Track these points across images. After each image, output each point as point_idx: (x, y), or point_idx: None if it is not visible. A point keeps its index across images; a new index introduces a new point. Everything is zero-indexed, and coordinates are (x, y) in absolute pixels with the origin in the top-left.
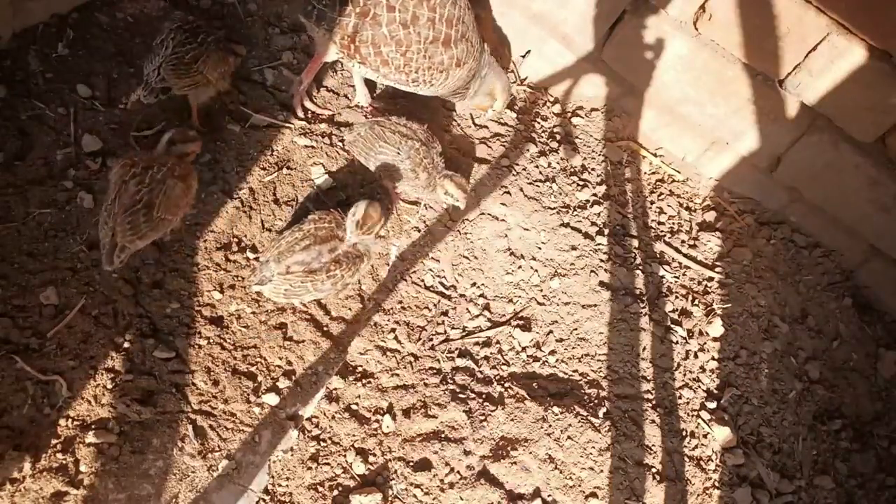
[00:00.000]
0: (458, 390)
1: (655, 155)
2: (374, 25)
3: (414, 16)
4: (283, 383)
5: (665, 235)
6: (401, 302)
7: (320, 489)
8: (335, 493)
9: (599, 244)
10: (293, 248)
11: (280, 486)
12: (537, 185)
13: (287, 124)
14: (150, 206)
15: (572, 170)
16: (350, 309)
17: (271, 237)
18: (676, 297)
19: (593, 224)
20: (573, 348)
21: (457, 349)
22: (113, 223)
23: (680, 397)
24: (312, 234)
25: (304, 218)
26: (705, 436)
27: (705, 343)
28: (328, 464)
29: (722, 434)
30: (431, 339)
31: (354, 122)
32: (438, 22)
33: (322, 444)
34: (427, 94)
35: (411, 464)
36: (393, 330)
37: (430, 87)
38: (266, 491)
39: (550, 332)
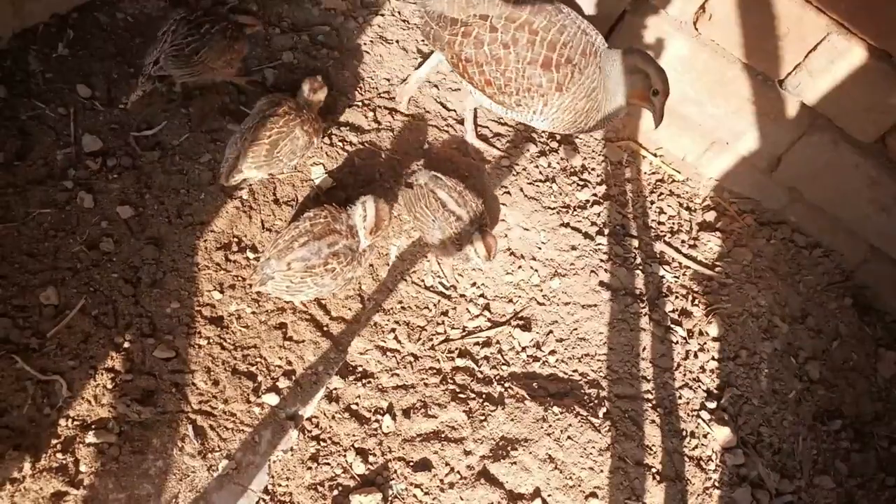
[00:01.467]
0: (458, 390)
1: (655, 155)
2: (477, 44)
3: (514, 38)
4: (283, 383)
5: (665, 235)
6: (401, 302)
7: (320, 489)
8: (335, 493)
9: (599, 244)
10: (291, 245)
11: (280, 486)
12: (537, 185)
13: None
14: (274, 144)
15: (572, 170)
16: (350, 309)
17: (271, 237)
18: (676, 297)
19: (593, 224)
20: (573, 348)
21: (457, 349)
22: (241, 147)
23: (680, 397)
24: (309, 231)
25: (299, 217)
26: (705, 436)
27: (705, 343)
28: (328, 464)
29: (722, 434)
30: (431, 339)
31: (418, 170)
32: (538, 45)
33: (322, 444)
34: (551, 125)
35: (411, 464)
36: (393, 330)
37: (538, 113)
38: (266, 491)
39: (550, 332)
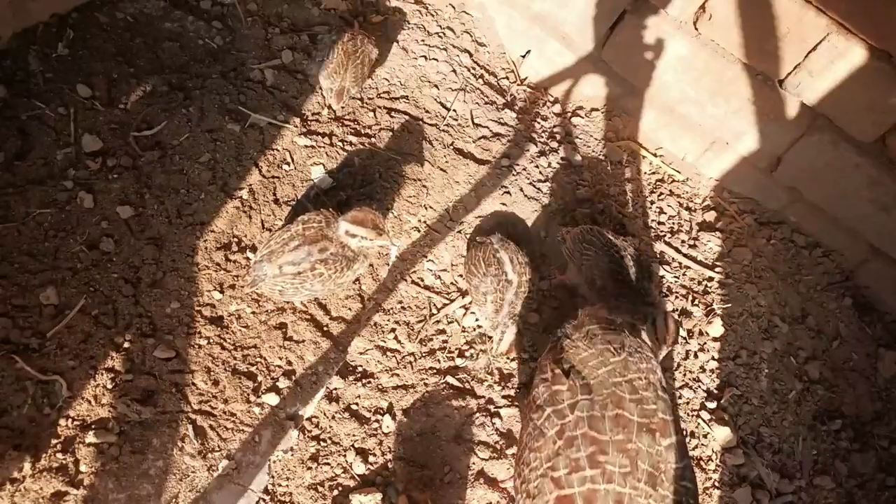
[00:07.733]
0: (457, 390)
1: (655, 155)
2: None
3: None
4: (283, 383)
5: (665, 235)
6: (401, 302)
7: (320, 489)
8: (335, 493)
9: None
10: (283, 249)
11: (280, 486)
12: (537, 185)
13: (287, 124)
14: (365, 63)
15: (572, 169)
16: (350, 309)
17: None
18: (676, 297)
19: (593, 224)
20: None
21: (456, 349)
22: (341, 76)
23: (680, 397)
24: (301, 234)
25: (294, 219)
26: (705, 436)
27: (705, 343)
28: (328, 464)
29: (722, 434)
30: (431, 339)
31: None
32: None
33: (322, 444)
34: None
35: (411, 464)
36: (393, 330)
37: None
38: (266, 491)
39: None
